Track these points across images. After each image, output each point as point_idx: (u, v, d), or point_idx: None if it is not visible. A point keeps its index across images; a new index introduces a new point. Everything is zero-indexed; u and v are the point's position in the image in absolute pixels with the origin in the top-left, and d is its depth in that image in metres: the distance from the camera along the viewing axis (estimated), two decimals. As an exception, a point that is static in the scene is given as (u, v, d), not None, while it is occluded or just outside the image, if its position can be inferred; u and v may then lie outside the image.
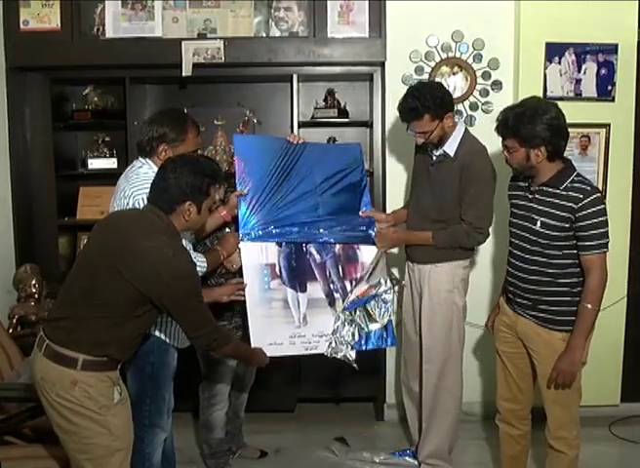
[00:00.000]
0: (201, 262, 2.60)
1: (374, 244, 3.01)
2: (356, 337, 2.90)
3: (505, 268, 2.85)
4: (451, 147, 3.00)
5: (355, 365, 2.88)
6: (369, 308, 2.94)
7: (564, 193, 2.51)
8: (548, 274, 2.58)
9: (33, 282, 3.64)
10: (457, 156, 2.99)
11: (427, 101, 2.88)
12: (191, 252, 2.59)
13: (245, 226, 2.83)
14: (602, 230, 2.48)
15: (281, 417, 3.90)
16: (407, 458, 3.39)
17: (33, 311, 3.58)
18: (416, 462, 3.30)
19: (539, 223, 2.56)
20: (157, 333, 2.56)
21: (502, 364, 2.82)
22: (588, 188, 2.51)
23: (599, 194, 2.52)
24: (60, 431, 2.21)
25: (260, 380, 3.38)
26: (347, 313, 2.90)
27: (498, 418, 2.92)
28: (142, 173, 2.54)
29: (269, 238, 2.86)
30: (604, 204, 2.51)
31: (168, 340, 2.59)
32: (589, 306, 2.51)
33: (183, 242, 2.42)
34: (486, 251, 3.74)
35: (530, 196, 2.64)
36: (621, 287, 3.67)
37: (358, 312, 2.93)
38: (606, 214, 2.50)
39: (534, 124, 2.47)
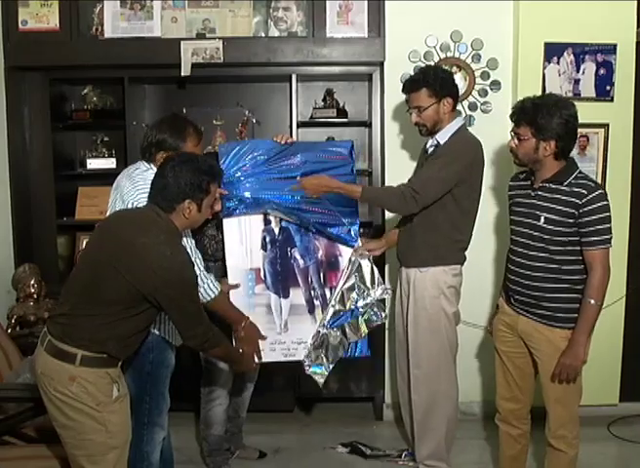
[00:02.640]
0: (213, 288, 2.60)
1: (350, 242, 2.97)
2: (339, 353, 2.93)
3: (504, 268, 2.86)
4: (443, 136, 2.97)
5: (321, 383, 2.92)
6: (353, 322, 2.96)
7: (567, 189, 2.52)
8: (551, 270, 2.58)
9: (32, 282, 3.63)
10: (445, 144, 2.96)
11: (430, 77, 2.95)
12: (207, 275, 2.59)
13: (227, 204, 2.80)
14: (605, 226, 2.49)
15: (280, 418, 3.90)
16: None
17: (32, 311, 3.57)
18: (414, 462, 3.30)
19: (542, 219, 2.56)
20: (155, 331, 2.56)
21: (502, 363, 2.82)
22: (592, 184, 2.52)
23: (602, 190, 2.53)
24: (57, 426, 2.22)
25: (259, 380, 3.37)
26: (330, 330, 2.92)
27: (497, 418, 2.92)
28: (149, 177, 2.51)
29: (249, 209, 2.82)
30: (607, 200, 2.51)
31: (166, 337, 2.59)
32: (592, 302, 2.51)
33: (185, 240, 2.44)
34: (487, 250, 3.76)
35: (532, 193, 2.64)
36: (620, 286, 3.67)
37: (343, 328, 2.95)
38: (609, 211, 2.50)
39: (552, 116, 2.49)
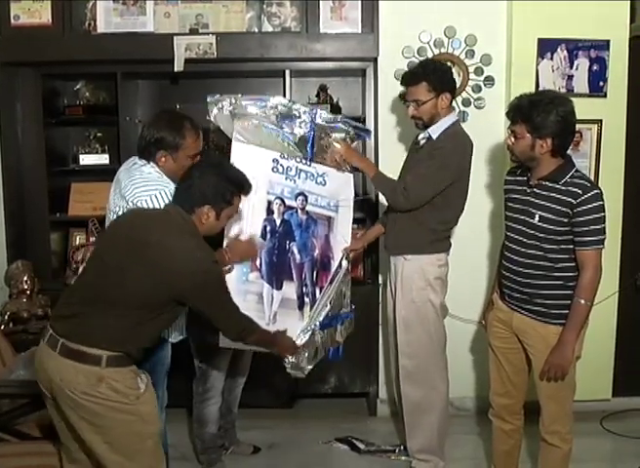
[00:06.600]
0: None
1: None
2: (321, 354, 2.97)
3: (498, 264, 2.86)
4: (436, 131, 2.99)
5: (302, 375, 2.96)
6: (342, 325, 3.03)
7: (563, 188, 2.51)
8: (544, 267, 2.58)
9: (25, 278, 3.62)
10: (438, 140, 2.98)
11: (429, 71, 2.97)
12: None
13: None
14: (599, 226, 2.49)
15: (274, 413, 3.90)
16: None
17: (25, 307, 3.56)
18: (408, 457, 3.31)
19: (537, 217, 2.56)
20: None
21: (496, 359, 2.83)
22: (588, 184, 2.51)
23: (598, 190, 2.51)
24: (89, 430, 2.16)
25: (254, 376, 3.38)
26: (319, 331, 2.94)
27: (491, 413, 2.93)
28: (146, 172, 2.52)
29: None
30: (603, 200, 2.50)
31: (162, 335, 2.58)
32: (582, 302, 2.52)
33: None
34: (481, 245, 3.76)
35: (528, 190, 2.63)
36: (613, 282, 3.69)
37: (330, 331, 2.99)
38: (604, 211, 2.50)
39: (547, 113, 2.46)
